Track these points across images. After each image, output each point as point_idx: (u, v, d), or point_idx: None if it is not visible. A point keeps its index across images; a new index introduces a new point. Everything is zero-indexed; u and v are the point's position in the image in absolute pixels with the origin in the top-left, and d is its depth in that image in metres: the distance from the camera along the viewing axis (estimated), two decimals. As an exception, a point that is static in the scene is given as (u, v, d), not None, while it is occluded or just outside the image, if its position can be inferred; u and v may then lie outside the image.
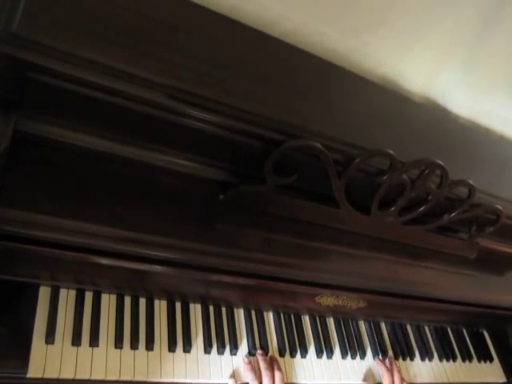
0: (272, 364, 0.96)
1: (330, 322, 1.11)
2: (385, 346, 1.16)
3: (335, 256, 0.97)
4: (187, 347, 0.90)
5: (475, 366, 1.30)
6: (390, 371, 1.09)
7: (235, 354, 0.96)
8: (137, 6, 0.81)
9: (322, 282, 0.97)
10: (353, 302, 1.05)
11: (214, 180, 0.86)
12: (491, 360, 1.34)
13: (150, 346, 0.87)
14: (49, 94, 0.69)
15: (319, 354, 1.04)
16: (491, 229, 1.09)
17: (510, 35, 1.15)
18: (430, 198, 0.97)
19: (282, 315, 1.05)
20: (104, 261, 0.77)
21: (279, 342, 1.02)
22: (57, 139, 0.73)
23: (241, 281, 0.90)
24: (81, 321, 0.83)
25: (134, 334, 0.86)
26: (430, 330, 1.28)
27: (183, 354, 0.90)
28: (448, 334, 1.31)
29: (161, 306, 0.92)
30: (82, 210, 0.72)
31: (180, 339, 0.90)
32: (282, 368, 0.97)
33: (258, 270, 0.88)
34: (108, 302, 0.87)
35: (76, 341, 0.81)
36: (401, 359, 1.17)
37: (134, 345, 0.85)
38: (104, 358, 0.82)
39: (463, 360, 1.28)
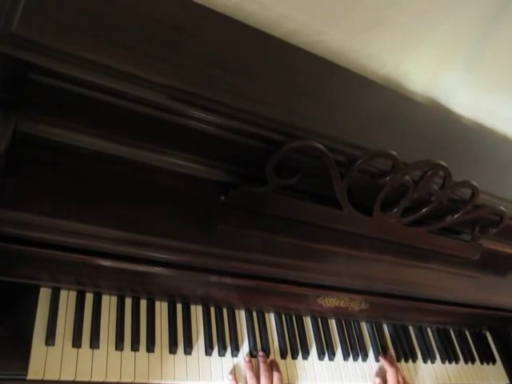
0: (271, 366, 0.96)
1: (332, 323, 1.11)
2: (387, 347, 1.15)
3: (337, 257, 0.96)
4: (188, 349, 0.90)
5: (478, 368, 1.29)
6: (394, 366, 1.08)
7: (236, 356, 0.95)
8: (137, 6, 0.81)
9: (324, 284, 0.96)
10: (355, 304, 1.04)
11: (214, 181, 0.85)
12: (494, 362, 1.34)
13: (150, 347, 0.86)
14: (49, 94, 0.68)
15: (321, 355, 1.04)
16: (494, 230, 1.09)
17: (513, 35, 1.14)
18: (432, 199, 0.97)
19: (283, 317, 1.05)
20: (104, 262, 0.77)
21: (281, 344, 1.01)
22: (57, 140, 0.73)
23: (242, 282, 0.89)
24: (81, 322, 0.82)
25: (135, 336, 0.86)
26: (432, 331, 1.27)
27: (184, 356, 0.90)
28: (450, 335, 1.30)
29: (162, 308, 0.92)
30: (83, 211, 0.71)
31: (181, 341, 0.90)
32: (284, 370, 0.97)
33: (259, 272, 0.87)
34: (109, 303, 0.87)
35: (76, 342, 0.80)
36: (403, 361, 1.16)
37: (135, 346, 0.85)
38: (104, 360, 0.82)
39: (466, 362, 1.27)
